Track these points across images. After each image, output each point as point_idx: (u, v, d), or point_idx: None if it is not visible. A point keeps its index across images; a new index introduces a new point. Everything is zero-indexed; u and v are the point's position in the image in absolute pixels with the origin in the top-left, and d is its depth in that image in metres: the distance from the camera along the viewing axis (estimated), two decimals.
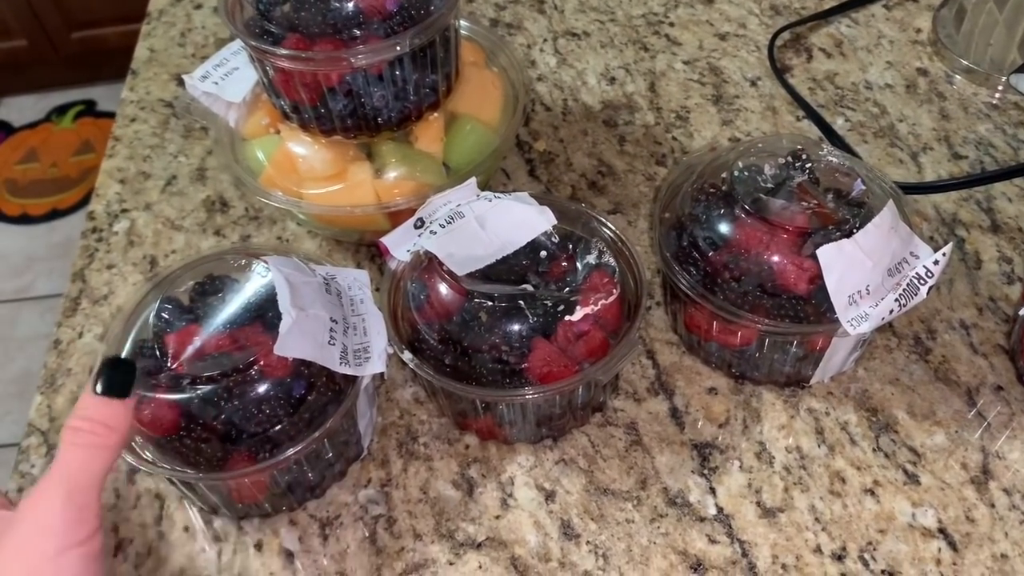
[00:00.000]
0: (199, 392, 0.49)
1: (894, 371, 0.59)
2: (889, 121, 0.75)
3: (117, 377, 0.42)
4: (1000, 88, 0.77)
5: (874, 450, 0.56)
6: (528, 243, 0.54)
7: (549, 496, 0.55)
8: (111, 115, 2.21)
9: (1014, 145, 0.72)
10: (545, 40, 0.85)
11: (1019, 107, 0.75)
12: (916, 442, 0.56)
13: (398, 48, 0.56)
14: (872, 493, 0.54)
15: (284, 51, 0.56)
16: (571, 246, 0.56)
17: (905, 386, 0.59)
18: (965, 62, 0.78)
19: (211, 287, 0.53)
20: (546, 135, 0.77)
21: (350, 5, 0.57)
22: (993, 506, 0.53)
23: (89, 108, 2.25)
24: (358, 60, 0.55)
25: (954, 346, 0.60)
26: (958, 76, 0.79)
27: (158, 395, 0.49)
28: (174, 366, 0.49)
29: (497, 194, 0.57)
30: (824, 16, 0.84)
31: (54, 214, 2.02)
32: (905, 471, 0.55)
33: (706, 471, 0.56)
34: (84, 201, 1.99)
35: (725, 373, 0.60)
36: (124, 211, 0.74)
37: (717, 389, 0.59)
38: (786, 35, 0.83)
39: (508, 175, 0.74)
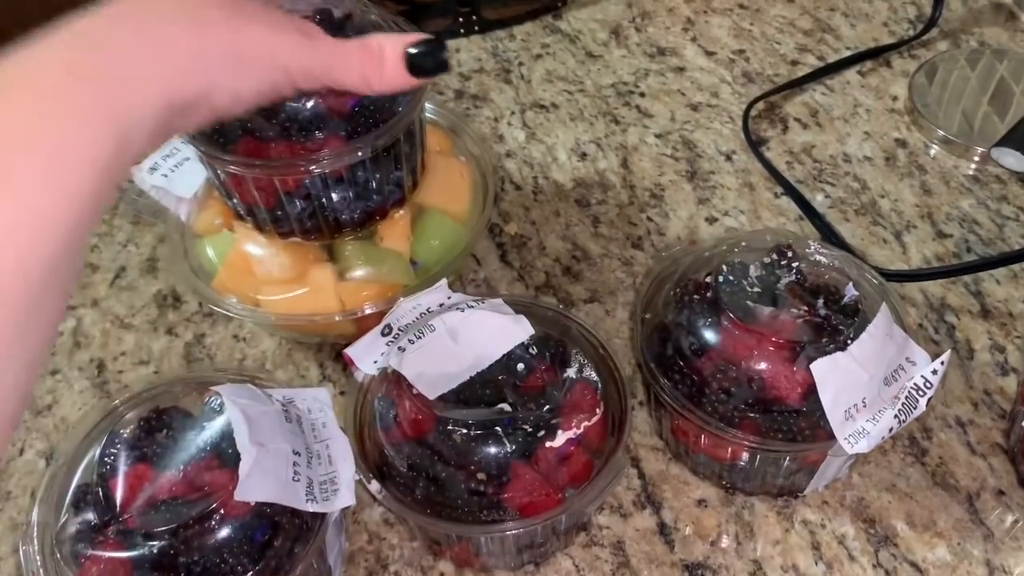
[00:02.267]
0: (154, 547, 0.44)
1: (890, 476, 0.56)
2: (871, 197, 0.73)
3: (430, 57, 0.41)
4: (977, 159, 0.75)
5: (874, 566, 0.53)
6: (504, 355, 0.51)
7: None
8: None
9: (998, 222, 0.70)
10: (513, 113, 0.82)
11: (1000, 180, 0.74)
12: (918, 556, 0.53)
13: (360, 153, 0.52)
14: None
15: (234, 158, 0.52)
16: (549, 356, 0.53)
17: (903, 492, 0.56)
18: (943, 132, 0.76)
19: (159, 422, 0.49)
20: (517, 217, 0.73)
21: (308, 105, 0.53)
22: None
23: None
24: (317, 167, 0.52)
25: (951, 446, 0.58)
26: (936, 146, 0.77)
27: (106, 553, 0.44)
28: (124, 518, 0.45)
29: (470, 301, 0.54)
30: (798, 84, 0.82)
31: None
32: None
33: None
34: None
35: (715, 483, 0.56)
36: (70, 308, 0.70)
37: (707, 501, 0.56)
38: (760, 105, 0.80)
39: (479, 261, 0.71)
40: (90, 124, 0.31)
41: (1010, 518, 0.54)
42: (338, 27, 0.55)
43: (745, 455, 0.52)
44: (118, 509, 0.46)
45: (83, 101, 0.31)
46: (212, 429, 0.48)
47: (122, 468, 0.47)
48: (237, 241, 0.59)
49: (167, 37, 0.34)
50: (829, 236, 0.69)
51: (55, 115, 0.30)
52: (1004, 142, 0.73)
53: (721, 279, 0.54)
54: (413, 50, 0.41)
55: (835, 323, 0.51)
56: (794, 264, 0.54)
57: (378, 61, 0.41)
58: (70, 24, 0.32)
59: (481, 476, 0.48)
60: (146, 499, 0.46)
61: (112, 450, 0.48)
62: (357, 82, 0.41)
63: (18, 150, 0.29)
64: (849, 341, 0.49)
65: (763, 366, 0.51)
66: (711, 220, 0.72)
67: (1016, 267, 0.67)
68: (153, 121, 0.33)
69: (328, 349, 0.65)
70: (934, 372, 0.50)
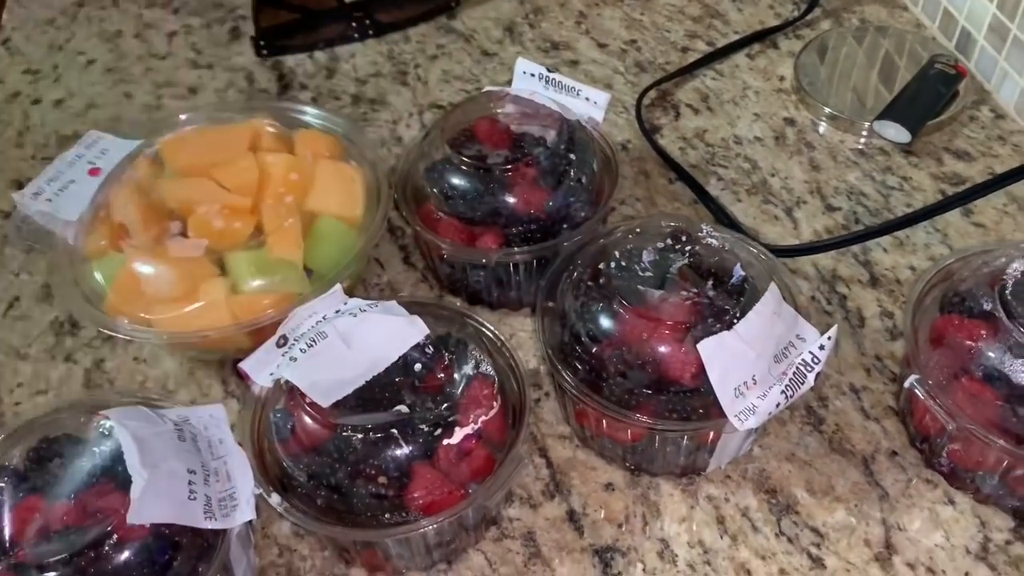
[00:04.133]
0: None
1: (789, 446, 0.58)
2: (761, 176, 0.75)
3: None
4: (864, 133, 0.77)
5: (776, 535, 0.54)
6: (399, 357, 0.51)
7: None
8: None
9: (884, 192, 0.73)
10: (411, 114, 0.82)
11: (884, 152, 0.76)
12: (818, 521, 0.54)
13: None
14: None
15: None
16: (447, 354, 0.53)
17: (802, 461, 0.57)
18: (829, 109, 0.78)
19: (48, 451, 0.48)
20: None
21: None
22: None
23: None
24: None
25: (846, 413, 0.59)
26: (823, 123, 0.79)
27: None
28: (15, 551, 0.44)
29: (364, 305, 0.54)
30: (689, 70, 0.84)
31: None
32: (810, 555, 0.53)
33: None
34: None
35: (620, 466, 0.57)
36: None
37: (614, 484, 0.57)
38: (653, 93, 0.82)
39: (382, 265, 0.70)
40: None
41: (904, 477, 0.56)
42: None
43: (645, 436, 0.53)
44: (7, 545, 0.45)
45: None
46: (103, 454, 0.48)
47: (9, 502, 0.46)
48: (125, 261, 0.58)
49: None
50: (722, 218, 0.70)
51: None
52: (885, 115, 0.75)
53: (613, 265, 0.55)
54: None
55: (722, 303, 0.52)
56: (687, 248, 0.55)
57: None
58: None
59: (382, 480, 0.48)
60: (38, 530, 0.45)
61: (0, 484, 0.47)
62: None
63: None
64: (735, 321, 0.51)
65: (655, 349, 0.51)
66: (608, 211, 0.72)
67: (901, 235, 0.69)
68: None
69: (229, 365, 0.64)
70: (821, 348, 0.51)
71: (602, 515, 0.55)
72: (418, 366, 0.52)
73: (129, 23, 0.95)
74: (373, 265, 0.70)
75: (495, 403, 0.51)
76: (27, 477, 0.47)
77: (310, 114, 0.69)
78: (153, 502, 0.44)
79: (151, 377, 0.64)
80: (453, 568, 0.54)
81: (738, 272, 0.53)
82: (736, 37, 0.87)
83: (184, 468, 0.47)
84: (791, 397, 0.49)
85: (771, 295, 0.52)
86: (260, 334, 0.57)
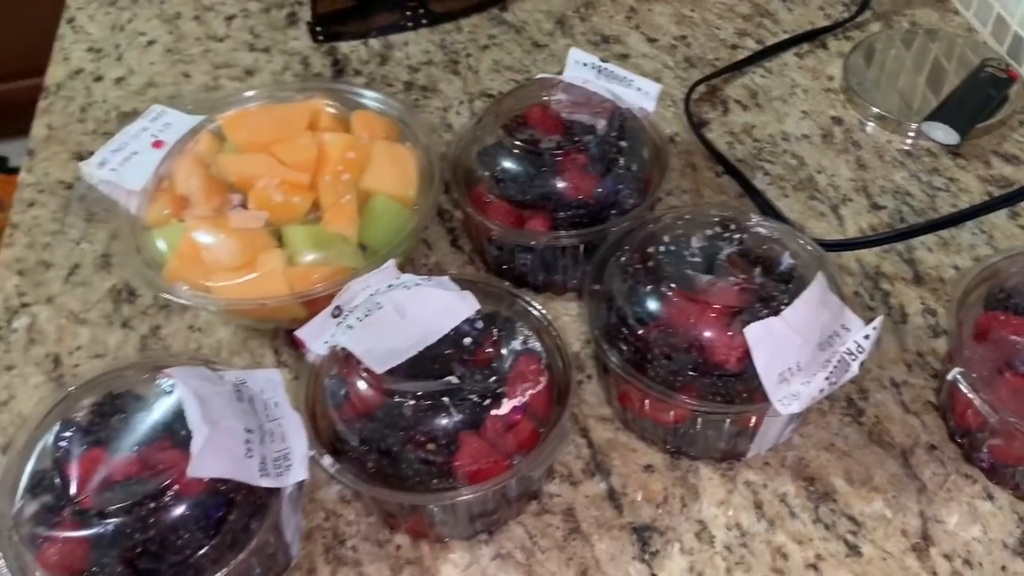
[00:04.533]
0: (110, 525, 0.45)
1: (828, 436, 0.59)
2: (808, 173, 0.75)
3: None
4: (911, 134, 0.78)
5: (814, 522, 0.55)
6: (451, 330, 0.52)
7: None
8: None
9: (930, 193, 0.73)
10: (461, 102, 0.84)
11: (931, 153, 0.76)
12: (855, 510, 0.55)
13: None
14: (815, 568, 0.53)
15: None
16: (496, 330, 0.54)
17: (841, 451, 0.58)
18: (876, 109, 0.79)
19: (112, 406, 0.49)
20: None
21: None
22: (935, 574, 0.52)
23: (1, 165, 2.15)
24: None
25: (886, 406, 0.60)
26: (871, 123, 0.79)
27: (64, 533, 0.45)
28: (79, 499, 0.46)
29: (417, 279, 0.55)
30: (738, 67, 0.84)
31: None
32: (846, 542, 0.54)
33: (646, 556, 0.54)
34: None
35: (660, 449, 0.58)
36: (24, 306, 0.70)
37: (654, 466, 0.58)
38: (702, 88, 0.83)
39: (430, 246, 0.72)
40: None
41: (942, 471, 0.57)
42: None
43: (687, 419, 0.54)
44: (74, 491, 0.46)
45: None
46: (164, 411, 0.49)
47: (76, 452, 0.48)
48: (186, 230, 0.60)
49: None
50: (768, 211, 0.71)
51: None
52: (933, 116, 0.76)
53: (663, 249, 0.56)
54: None
55: (770, 290, 0.53)
56: (736, 236, 0.56)
57: None
58: None
59: (431, 447, 0.50)
60: (101, 481, 0.47)
61: (66, 435, 0.49)
62: None
63: None
64: (783, 307, 0.51)
65: (702, 332, 0.52)
66: (656, 199, 0.73)
67: (946, 235, 0.69)
68: None
69: (282, 335, 0.66)
70: (866, 337, 0.52)
71: (641, 495, 0.56)
72: (468, 340, 0.53)
73: (188, 5, 0.97)
74: (421, 246, 0.72)
75: (542, 378, 0.52)
76: (91, 430, 0.49)
77: (367, 96, 0.71)
78: (212, 457, 0.46)
79: (205, 345, 0.66)
80: (494, 539, 0.55)
81: (786, 260, 0.54)
82: (785, 36, 0.87)
83: (242, 427, 0.49)
84: (835, 384, 0.50)
85: (818, 284, 0.53)
86: (314, 305, 0.59)
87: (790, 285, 0.53)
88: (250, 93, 0.70)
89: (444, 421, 0.50)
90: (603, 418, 0.60)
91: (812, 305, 0.52)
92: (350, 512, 0.56)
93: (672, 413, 0.54)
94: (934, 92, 0.80)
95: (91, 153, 0.72)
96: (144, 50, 0.92)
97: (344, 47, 0.91)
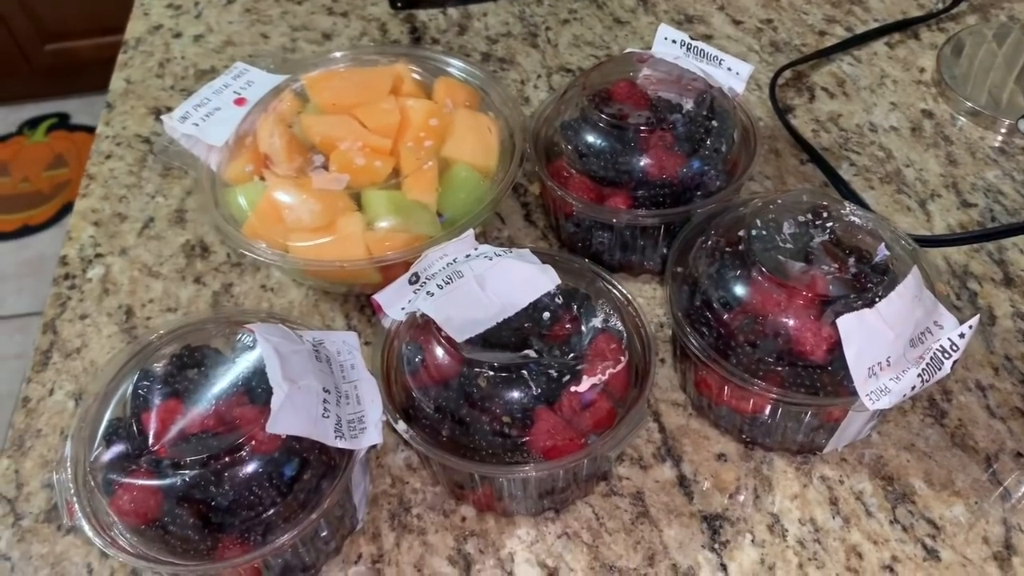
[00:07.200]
0: (184, 477, 0.45)
1: (909, 436, 0.57)
2: (895, 166, 0.73)
3: None
4: (1004, 131, 0.75)
5: (891, 522, 0.53)
6: (530, 303, 0.52)
7: (552, 574, 0.52)
8: (85, 128, 2.15)
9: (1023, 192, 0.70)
10: (539, 76, 0.83)
11: None
12: (935, 514, 0.53)
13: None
14: (891, 570, 0.51)
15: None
16: (575, 306, 0.53)
17: (921, 452, 0.56)
18: (969, 104, 0.76)
19: (191, 359, 0.49)
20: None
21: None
22: None
23: (63, 121, 2.19)
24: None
25: (971, 409, 0.58)
26: (963, 118, 0.77)
27: (139, 480, 0.45)
28: (155, 448, 0.46)
29: (498, 251, 0.54)
30: (826, 54, 0.82)
31: (25, 230, 1.96)
32: (924, 545, 0.52)
33: (716, 545, 0.53)
34: (56, 217, 1.94)
35: (735, 438, 0.57)
36: (98, 256, 0.70)
37: (726, 455, 0.57)
38: (787, 74, 0.80)
39: (503, 219, 0.71)
40: None
41: None
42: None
43: (767, 408, 0.53)
44: (150, 441, 0.47)
45: None
46: (242, 366, 0.49)
47: (154, 402, 0.48)
48: (268, 189, 0.60)
49: None
50: (854, 202, 0.69)
51: None
52: None
53: (755, 233, 0.54)
54: None
55: (865, 281, 0.51)
56: (828, 224, 0.54)
57: None
58: None
59: (506, 419, 0.49)
60: (177, 432, 0.47)
61: (144, 385, 0.49)
62: None
63: None
64: (877, 299, 0.50)
65: (790, 320, 0.51)
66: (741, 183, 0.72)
67: None
68: None
69: (353, 300, 0.66)
70: (961, 336, 0.50)
71: (712, 484, 0.55)
72: (547, 314, 0.52)
73: None
74: (494, 219, 0.71)
75: (622, 358, 0.51)
76: (169, 382, 0.49)
77: (450, 64, 0.70)
78: (291, 414, 0.46)
79: (277, 305, 0.66)
80: (560, 517, 0.54)
81: (882, 251, 0.52)
82: (876, 25, 0.85)
83: (320, 386, 0.48)
84: (927, 382, 0.48)
85: (913, 278, 0.51)
86: (389, 271, 0.58)
87: (885, 277, 0.51)
88: (336, 55, 0.69)
89: (521, 394, 0.49)
90: (675, 403, 0.59)
91: (907, 299, 0.50)
92: (416, 480, 0.56)
93: (752, 402, 0.53)
94: None
95: (168, 108, 0.73)
96: (223, 9, 0.92)
97: (422, 15, 0.90)
